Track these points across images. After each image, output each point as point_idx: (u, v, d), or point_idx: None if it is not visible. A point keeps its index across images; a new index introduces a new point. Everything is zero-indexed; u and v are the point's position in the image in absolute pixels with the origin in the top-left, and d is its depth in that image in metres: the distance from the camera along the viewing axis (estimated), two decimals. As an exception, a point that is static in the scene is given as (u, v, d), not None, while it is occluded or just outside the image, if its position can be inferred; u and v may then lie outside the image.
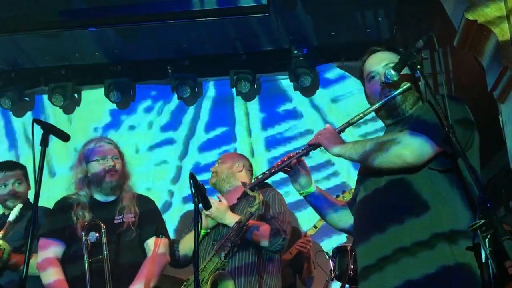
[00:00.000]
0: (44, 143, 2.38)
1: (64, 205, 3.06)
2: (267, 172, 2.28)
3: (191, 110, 5.86)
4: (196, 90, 5.77)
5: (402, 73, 2.05)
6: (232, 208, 3.28)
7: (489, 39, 2.35)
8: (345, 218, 2.31)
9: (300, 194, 2.34)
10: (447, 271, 1.79)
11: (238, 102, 5.79)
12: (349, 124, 2.19)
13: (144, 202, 3.18)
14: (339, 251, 3.80)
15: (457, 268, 1.79)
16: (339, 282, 3.72)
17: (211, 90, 5.90)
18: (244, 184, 2.96)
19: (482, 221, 1.70)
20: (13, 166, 3.64)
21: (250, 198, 3.23)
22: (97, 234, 2.87)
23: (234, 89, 5.65)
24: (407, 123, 2.01)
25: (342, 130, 2.18)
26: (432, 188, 1.90)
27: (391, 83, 2.06)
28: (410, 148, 1.88)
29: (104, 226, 2.86)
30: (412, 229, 1.87)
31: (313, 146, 2.19)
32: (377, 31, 5.36)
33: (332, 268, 3.83)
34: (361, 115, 2.16)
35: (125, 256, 2.95)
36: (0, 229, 3.32)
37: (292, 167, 2.27)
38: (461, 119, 1.95)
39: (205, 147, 5.67)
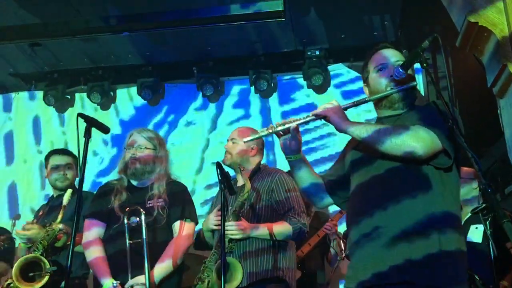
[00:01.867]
0: (88, 134, 2.40)
1: (106, 189, 3.08)
2: (265, 130, 2.11)
3: (213, 106, 5.87)
4: (219, 88, 5.78)
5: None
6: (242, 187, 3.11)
7: (489, 39, 2.32)
8: (316, 188, 2.21)
9: (287, 158, 2.20)
10: (434, 257, 1.76)
11: (256, 98, 5.78)
12: (354, 104, 2.07)
13: (174, 187, 3.10)
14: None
15: (444, 255, 1.77)
16: (348, 261, 3.69)
17: (232, 88, 5.89)
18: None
19: (484, 205, 1.70)
20: (67, 152, 3.71)
21: (260, 176, 3.14)
22: (137, 219, 2.84)
23: (253, 87, 5.64)
24: (411, 119, 1.95)
25: (346, 108, 2.06)
26: (431, 180, 1.87)
27: (398, 80, 2.03)
28: (422, 142, 1.82)
29: (143, 211, 2.83)
30: (409, 210, 1.83)
31: (317, 116, 2.05)
32: (383, 33, 5.33)
33: (343, 248, 3.82)
34: (366, 99, 2.08)
35: (155, 238, 2.92)
36: (51, 210, 3.37)
37: (290, 131, 2.11)
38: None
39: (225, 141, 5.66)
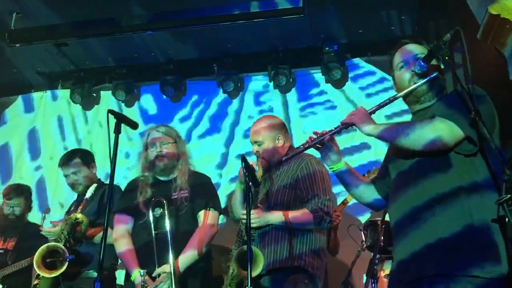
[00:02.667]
0: (117, 130, 2.43)
1: (133, 185, 3.15)
2: (301, 146, 2.22)
3: (235, 102, 5.88)
4: (239, 84, 5.78)
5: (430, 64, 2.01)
6: (271, 176, 3.10)
7: (511, 31, 2.28)
8: (369, 193, 2.27)
9: (331, 169, 2.28)
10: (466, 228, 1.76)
11: (275, 94, 5.79)
12: (379, 106, 2.12)
13: (197, 178, 3.13)
14: (371, 224, 3.78)
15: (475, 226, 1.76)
16: (369, 252, 3.70)
17: (252, 84, 5.90)
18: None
19: (508, 195, 1.68)
20: (70, 158, 3.64)
21: (285, 164, 3.05)
22: (161, 210, 2.92)
23: (272, 83, 5.64)
24: (437, 110, 1.96)
25: (373, 111, 2.12)
26: (459, 170, 1.86)
27: (420, 73, 2.02)
28: (441, 134, 1.83)
29: (167, 203, 2.90)
30: (440, 199, 1.83)
31: (346, 125, 2.12)
32: (400, 28, 5.28)
33: (364, 240, 3.81)
34: (391, 98, 2.10)
35: (180, 228, 2.97)
36: (79, 206, 3.43)
37: (325, 143, 2.20)
38: (485, 106, 1.89)
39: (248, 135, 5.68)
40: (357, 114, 2.09)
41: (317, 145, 2.21)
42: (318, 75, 5.68)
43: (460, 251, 1.75)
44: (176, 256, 2.86)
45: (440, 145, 1.83)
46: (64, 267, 3.08)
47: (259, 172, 2.92)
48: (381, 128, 2.01)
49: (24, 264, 3.78)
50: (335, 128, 2.16)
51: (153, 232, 2.86)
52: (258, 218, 2.86)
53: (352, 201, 4.14)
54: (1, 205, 4.29)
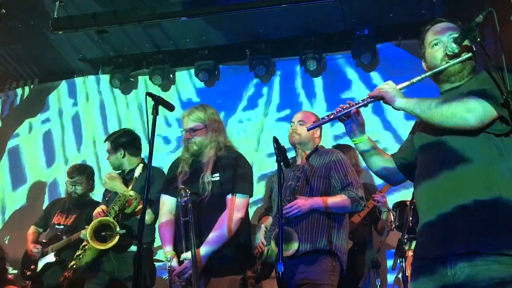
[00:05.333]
0: (155, 111, 2.48)
1: (176, 164, 3.12)
2: (326, 117, 2.12)
3: (266, 86, 5.88)
4: (270, 69, 5.77)
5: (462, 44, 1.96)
6: (309, 165, 3.21)
7: (545, 12, 2.20)
8: (389, 168, 2.19)
9: (353, 141, 2.19)
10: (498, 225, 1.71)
11: (306, 78, 5.75)
12: (411, 83, 2.03)
13: (226, 159, 2.99)
14: (399, 205, 3.75)
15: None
16: (398, 232, 3.68)
17: (283, 68, 5.88)
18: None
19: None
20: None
21: (318, 154, 3.24)
22: (186, 198, 2.82)
23: (303, 67, 5.61)
24: (469, 89, 1.90)
25: (403, 88, 2.03)
26: (489, 149, 1.81)
27: (452, 53, 1.97)
28: (473, 112, 1.78)
29: (189, 192, 2.81)
30: (469, 176, 1.79)
31: (374, 98, 2.03)
32: (431, 12, 5.14)
33: (392, 220, 3.80)
34: (422, 76, 2.03)
35: (209, 213, 2.89)
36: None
37: (351, 115, 2.11)
38: None
39: (280, 118, 5.71)
40: (386, 88, 2.01)
41: (342, 117, 2.12)
42: (349, 59, 5.62)
43: (487, 229, 1.72)
44: (202, 241, 2.80)
45: (473, 124, 1.78)
46: (115, 240, 3.19)
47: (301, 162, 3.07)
48: (412, 102, 1.93)
49: (75, 238, 3.93)
50: (362, 101, 2.08)
51: (181, 218, 2.84)
52: (300, 209, 3.00)
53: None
54: (66, 184, 4.41)
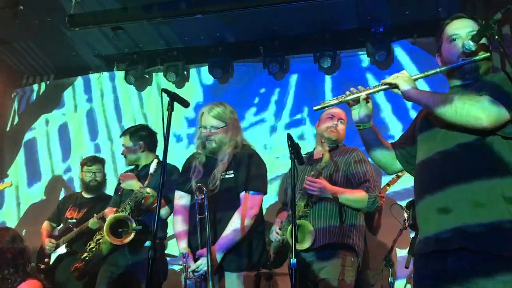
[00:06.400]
0: (171, 108, 2.46)
1: (190, 161, 3.13)
2: (335, 99, 2.09)
3: (279, 83, 5.86)
4: (284, 66, 5.76)
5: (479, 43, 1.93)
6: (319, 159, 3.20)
7: None
8: (388, 157, 2.19)
9: (357, 127, 2.17)
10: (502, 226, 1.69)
11: (320, 75, 5.72)
12: (425, 75, 2.01)
13: (241, 157, 2.98)
14: (413, 204, 3.72)
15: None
16: (411, 230, 3.66)
17: (297, 65, 5.86)
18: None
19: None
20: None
21: (338, 151, 3.26)
22: (202, 196, 2.79)
23: (317, 64, 5.58)
24: (484, 88, 1.86)
25: (416, 79, 2.00)
26: (501, 154, 1.78)
27: (469, 51, 1.95)
28: (488, 113, 1.75)
29: (205, 189, 2.79)
30: (478, 189, 1.76)
31: (387, 85, 2.00)
32: (447, 9, 5.08)
33: (406, 218, 3.77)
34: (437, 70, 2.00)
35: (224, 211, 2.89)
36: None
37: (360, 101, 2.08)
38: None
39: (293, 112, 5.71)
40: (402, 77, 1.97)
41: (350, 101, 2.10)
42: (363, 57, 5.58)
43: (485, 230, 1.70)
44: (217, 239, 2.80)
45: (486, 125, 1.75)
46: (131, 236, 3.23)
47: (325, 157, 3.08)
48: (425, 94, 1.90)
49: (84, 228, 3.98)
50: (374, 87, 2.06)
51: (197, 216, 2.83)
52: (322, 188, 2.99)
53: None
54: (81, 176, 4.43)
